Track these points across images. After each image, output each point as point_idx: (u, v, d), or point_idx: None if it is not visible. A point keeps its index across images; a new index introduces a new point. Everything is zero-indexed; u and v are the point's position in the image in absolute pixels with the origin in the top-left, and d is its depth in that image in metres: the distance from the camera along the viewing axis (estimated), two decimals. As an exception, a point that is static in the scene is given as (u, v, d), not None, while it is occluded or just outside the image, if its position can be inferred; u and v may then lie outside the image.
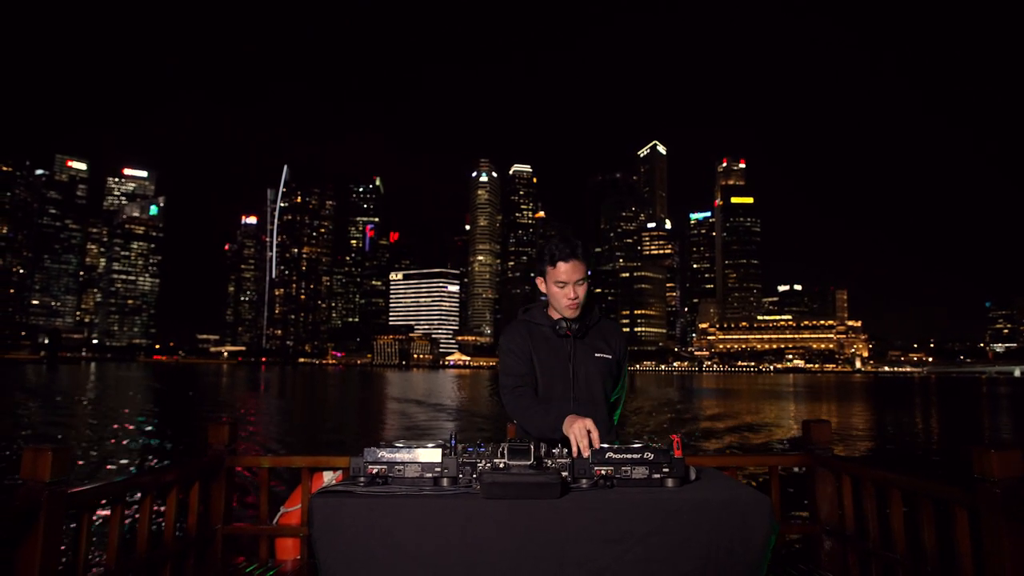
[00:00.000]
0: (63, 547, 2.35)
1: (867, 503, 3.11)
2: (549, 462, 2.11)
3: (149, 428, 23.17)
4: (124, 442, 18.94)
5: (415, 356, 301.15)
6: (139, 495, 2.90)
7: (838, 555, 3.36)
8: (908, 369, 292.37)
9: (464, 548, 1.89)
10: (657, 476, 2.09)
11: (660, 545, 1.92)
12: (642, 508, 1.95)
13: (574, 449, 2.25)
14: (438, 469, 2.08)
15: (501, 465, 2.04)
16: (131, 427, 23.04)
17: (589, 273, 2.74)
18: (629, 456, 2.11)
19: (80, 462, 15.09)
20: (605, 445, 2.16)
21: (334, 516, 1.91)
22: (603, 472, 2.09)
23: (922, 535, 2.77)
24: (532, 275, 2.76)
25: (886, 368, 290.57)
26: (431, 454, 2.09)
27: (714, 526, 1.94)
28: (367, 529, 1.90)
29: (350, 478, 2.10)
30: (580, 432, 2.27)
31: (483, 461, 2.08)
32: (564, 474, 2.08)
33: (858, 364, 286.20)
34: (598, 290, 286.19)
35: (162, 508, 3.14)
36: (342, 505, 1.93)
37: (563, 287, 2.67)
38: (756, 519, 1.96)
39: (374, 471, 2.06)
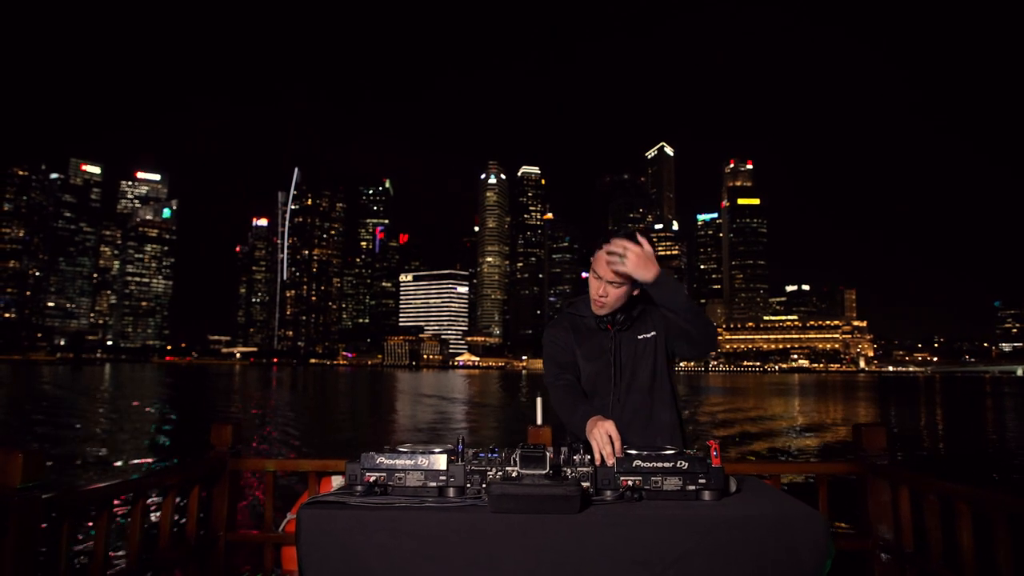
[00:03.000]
0: (42, 558, 2.11)
1: (929, 517, 2.81)
2: (568, 471, 1.88)
3: (163, 427, 23.46)
4: (141, 441, 19.18)
5: (425, 356, 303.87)
6: (135, 501, 2.73)
7: (895, 574, 3.08)
8: (912, 369, 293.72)
9: (469, 568, 1.70)
10: (692, 488, 1.85)
11: (696, 569, 1.68)
12: (675, 525, 1.71)
13: (596, 456, 2.04)
14: (443, 478, 1.87)
15: (514, 474, 1.81)
16: (145, 426, 23.41)
17: (634, 285, 2.49)
18: (660, 465, 1.87)
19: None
20: (633, 452, 1.94)
21: (324, 530, 1.73)
22: (630, 483, 1.86)
23: (996, 556, 2.42)
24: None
25: (890, 368, 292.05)
26: (435, 460, 1.88)
27: (759, 548, 1.70)
28: (360, 545, 1.71)
29: (346, 487, 1.93)
30: (601, 437, 2.07)
31: (494, 469, 1.87)
32: (585, 484, 1.84)
33: (862, 364, 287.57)
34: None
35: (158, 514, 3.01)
36: (332, 518, 1.74)
37: (597, 280, 2.51)
38: (809, 541, 1.72)
39: (372, 479, 1.88)
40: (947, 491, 2.68)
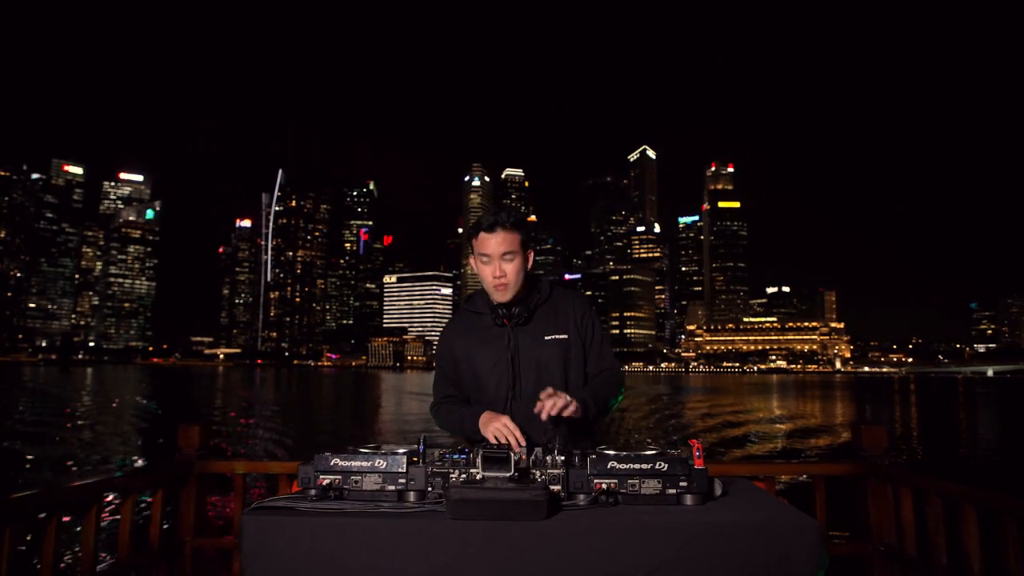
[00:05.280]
0: None
1: (932, 521, 2.61)
2: (537, 472, 1.70)
3: (142, 429, 23.46)
4: (118, 442, 19.09)
5: (409, 358, 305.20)
6: (114, 506, 2.51)
7: None
8: (886, 369, 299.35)
9: None
10: (673, 491, 1.69)
11: None
12: (653, 533, 1.54)
13: (493, 440, 2.07)
14: (402, 481, 1.70)
15: (478, 477, 1.65)
16: (124, 427, 23.46)
17: (528, 247, 2.34)
18: (638, 466, 1.69)
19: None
20: (611, 452, 1.75)
21: (268, 538, 1.56)
22: (604, 486, 1.68)
23: (1006, 562, 2.23)
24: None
25: (866, 368, 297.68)
26: (394, 462, 1.71)
27: (745, 557, 1.53)
28: (307, 555, 1.54)
29: (299, 491, 1.76)
30: (500, 433, 2.07)
31: (457, 471, 1.69)
32: (556, 488, 1.67)
33: (838, 365, 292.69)
34: (588, 293, 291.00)
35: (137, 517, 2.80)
36: (278, 525, 1.57)
37: (487, 262, 2.30)
38: (801, 550, 1.54)
39: (326, 482, 1.71)
40: (953, 493, 2.55)
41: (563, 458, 1.74)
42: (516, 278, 2.30)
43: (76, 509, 2.53)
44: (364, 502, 1.68)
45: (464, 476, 1.67)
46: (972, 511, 2.43)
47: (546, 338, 2.38)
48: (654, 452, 1.73)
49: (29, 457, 15.95)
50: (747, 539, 1.54)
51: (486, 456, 1.65)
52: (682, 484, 1.68)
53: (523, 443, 1.99)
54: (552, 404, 2.07)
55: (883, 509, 2.97)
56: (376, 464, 1.71)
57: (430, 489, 1.70)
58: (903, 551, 2.84)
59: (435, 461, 1.75)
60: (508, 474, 1.63)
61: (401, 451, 1.75)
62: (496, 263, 2.28)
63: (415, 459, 1.75)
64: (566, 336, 2.39)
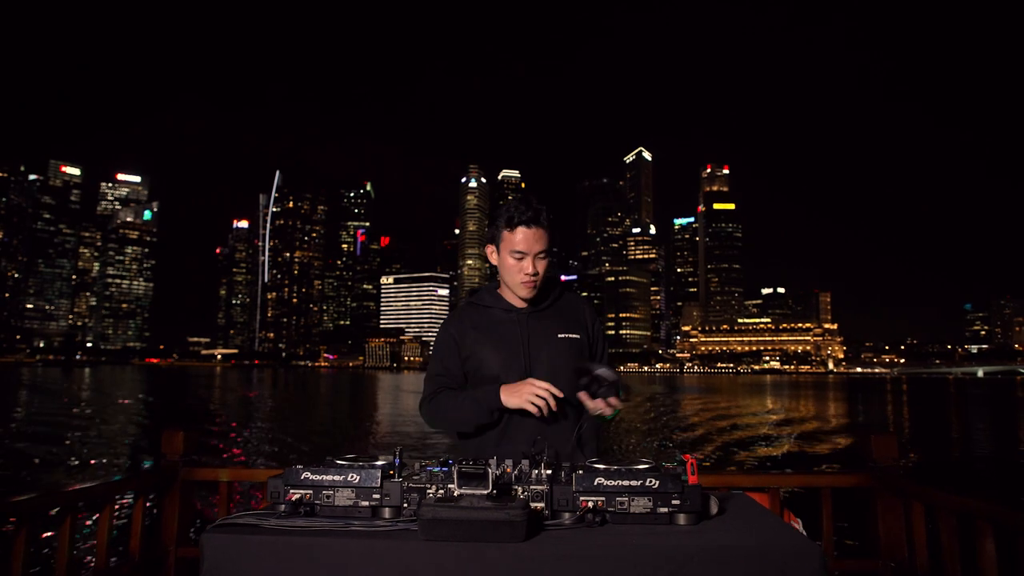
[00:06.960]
0: None
1: (946, 537, 2.46)
2: (519, 489, 1.58)
3: (137, 431, 23.13)
4: (111, 445, 18.86)
5: (406, 358, 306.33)
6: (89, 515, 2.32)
7: None
8: (879, 370, 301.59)
9: None
10: (664, 510, 1.56)
11: None
12: (641, 556, 1.41)
13: (532, 409, 2.03)
14: (376, 496, 1.58)
15: (455, 493, 1.51)
16: (119, 430, 23.21)
17: (553, 248, 2.26)
18: (627, 483, 1.56)
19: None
20: (600, 466, 1.62)
21: (230, 558, 1.45)
22: (591, 504, 1.55)
23: None
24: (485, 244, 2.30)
25: (858, 369, 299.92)
26: (368, 476, 1.59)
27: None
28: None
29: (268, 506, 1.65)
30: (534, 393, 2.02)
31: (434, 486, 1.57)
32: (538, 505, 1.56)
33: (831, 365, 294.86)
34: (584, 294, 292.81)
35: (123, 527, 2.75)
36: (241, 544, 1.47)
37: (521, 258, 2.19)
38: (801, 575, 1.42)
39: (296, 497, 1.59)
40: (969, 508, 2.37)
41: (549, 472, 1.62)
42: (543, 278, 2.27)
43: (51, 518, 2.35)
44: (335, 519, 1.57)
45: (442, 492, 1.56)
46: (988, 527, 2.30)
47: (559, 336, 2.31)
48: (646, 467, 1.62)
49: (25, 459, 16.02)
50: (743, 564, 1.42)
51: (463, 471, 1.52)
52: (674, 502, 1.56)
53: (560, 395, 2.00)
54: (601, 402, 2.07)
55: (894, 523, 2.82)
56: (349, 478, 1.60)
57: (406, 505, 1.59)
58: (915, 568, 2.71)
59: (413, 475, 1.64)
60: (486, 491, 1.50)
61: (378, 464, 1.65)
62: (531, 260, 2.21)
63: (391, 472, 1.63)
64: (578, 336, 2.34)
